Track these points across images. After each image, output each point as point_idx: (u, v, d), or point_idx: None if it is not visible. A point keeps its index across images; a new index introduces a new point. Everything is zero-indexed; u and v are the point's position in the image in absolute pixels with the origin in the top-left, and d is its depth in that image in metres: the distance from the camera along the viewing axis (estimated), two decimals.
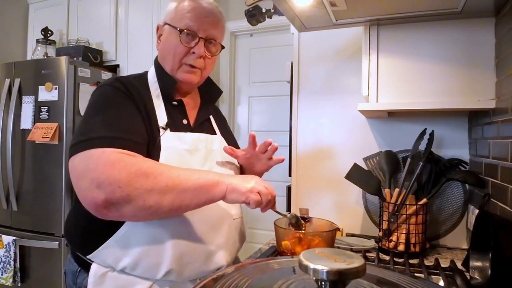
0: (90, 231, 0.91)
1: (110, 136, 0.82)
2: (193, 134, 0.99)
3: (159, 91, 1.00)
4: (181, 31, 0.96)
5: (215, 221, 0.95)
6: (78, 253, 0.95)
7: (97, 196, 0.76)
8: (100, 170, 0.77)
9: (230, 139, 1.15)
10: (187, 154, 0.95)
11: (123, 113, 0.89)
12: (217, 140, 1.06)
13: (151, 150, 0.89)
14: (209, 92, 1.12)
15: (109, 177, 0.76)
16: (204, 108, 1.09)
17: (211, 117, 1.12)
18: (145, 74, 1.04)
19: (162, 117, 0.95)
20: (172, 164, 0.86)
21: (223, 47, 1.04)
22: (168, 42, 0.99)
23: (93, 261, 0.91)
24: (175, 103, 1.01)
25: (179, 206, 0.81)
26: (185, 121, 1.01)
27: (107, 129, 0.83)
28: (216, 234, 0.94)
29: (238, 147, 1.16)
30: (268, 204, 0.86)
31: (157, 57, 1.06)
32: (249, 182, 0.84)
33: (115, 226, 0.87)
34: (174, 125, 0.97)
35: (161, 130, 0.93)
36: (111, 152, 0.79)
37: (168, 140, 0.93)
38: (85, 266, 0.93)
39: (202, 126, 1.05)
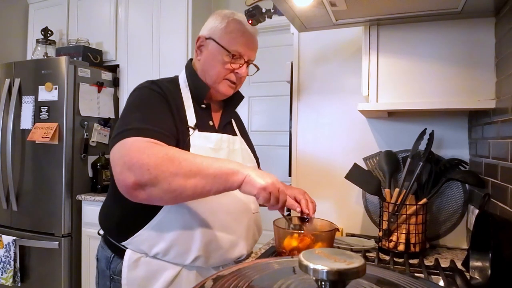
0: (126, 220, 1.00)
1: (142, 128, 0.90)
2: (217, 134, 1.08)
3: (189, 94, 1.08)
4: (233, 55, 1.05)
5: (237, 214, 1.04)
6: (112, 240, 1.04)
7: (128, 178, 0.84)
8: (131, 155, 0.85)
9: (248, 141, 1.25)
10: (212, 152, 1.03)
11: (156, 111, 0.97)
12: (238, 141, 1.16)
13: (181, 147, 0.97)
14: (232, 98, 1.18)
15: (139, 161, 0.84)
16: (227, 112, 1.18)
17: (232, 120, 1.21)
18: (176, 79, 1.12)
19: (191, 118, 1.04)
20: None
21: (258, 69, 1.16)
22: (215, 60, 1.06)
23: (127, 248, 1.00)
24: (203, 106, 1.10)
25: (201, 191, 0.86)
26: (211, 123, 1.10)
27: (140, 122, 0.92)
28: (238, 226, 1.04)
29: (253, 148, 1.26)
30: (275, 205, 0.89)
31: (189, 62, 1.14)
32: (266, 180, 0.86)
33: (149, 215, 0.96)
34: (202, 125, 1.05)
35: (190, 130, 1.02)
36: (142, 140, 0.88)
37: (196, 139, 1.02)
38: (119, 252, 1.01)
39: (225, 128, 1.15)
